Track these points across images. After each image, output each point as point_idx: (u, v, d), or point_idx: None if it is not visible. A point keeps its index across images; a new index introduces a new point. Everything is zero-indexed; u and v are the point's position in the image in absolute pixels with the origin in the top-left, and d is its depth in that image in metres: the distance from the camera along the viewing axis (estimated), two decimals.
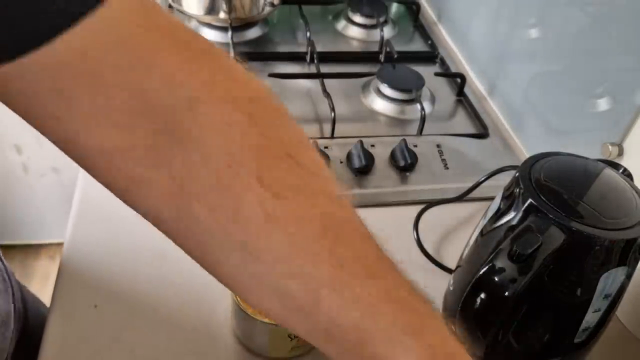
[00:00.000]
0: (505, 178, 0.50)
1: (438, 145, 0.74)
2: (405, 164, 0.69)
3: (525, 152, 0.77)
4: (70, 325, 0.51)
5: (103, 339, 0.50)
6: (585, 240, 0.41)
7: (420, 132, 0.76)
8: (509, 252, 0.41)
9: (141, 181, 0.31)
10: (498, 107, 0.85)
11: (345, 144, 0.71)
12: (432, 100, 0.84)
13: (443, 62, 0.93)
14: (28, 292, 0.64)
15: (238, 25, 0.92)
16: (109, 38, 0.28)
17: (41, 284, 1.66)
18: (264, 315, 0.42)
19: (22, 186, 1.54)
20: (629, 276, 0.44)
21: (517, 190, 0.44)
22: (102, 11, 0.27)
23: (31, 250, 1.73)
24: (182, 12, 0.92)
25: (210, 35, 0.92)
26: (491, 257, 0.42)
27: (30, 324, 0.59)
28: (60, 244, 0.60)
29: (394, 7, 1.08)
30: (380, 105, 0.81)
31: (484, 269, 0.42)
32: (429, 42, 0.98)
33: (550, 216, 0.41)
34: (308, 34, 0.89)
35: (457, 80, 0.87)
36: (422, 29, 1.02)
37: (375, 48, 0.93)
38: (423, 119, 0.76)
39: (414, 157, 0.70)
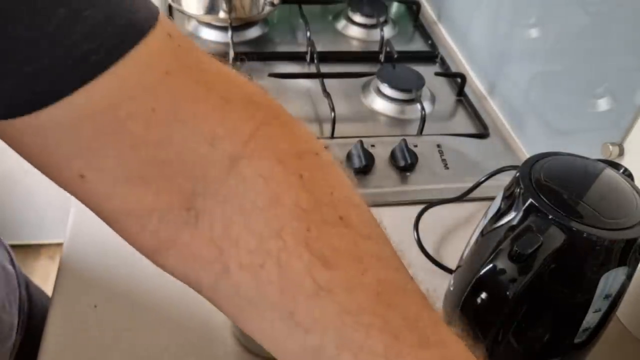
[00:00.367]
0: (506, 178, 0.50)
1: (438, 145, 0.74)
2: (405, 164, 0.69)
3: (525, 152, 0.77)
4: (70, 325, 0.51)
5: (103, 339, 0.50)
6: (586, 240, 0.41)
7: (420, 132, 0.76)
8: (509, 252, 0.41)
9: (178, 244, 0.28)
10: (498, 107, 0.85)
11: (345, 144, 0.71)
12: (432, 100, 0.84)
13: (443, 62, 0.92)
14: (35, 290, 0.64)
15: (238, 25, 0.92)
16: (138, 86, 0.25)
17: (41, 284, 1.65)
18: None
19: (22, 186, 1.54)
20: (629, 276, 0.44)
21: (518, 190, 0.44)
22: (132, 55, 0.24)
23: (31, 250, 1.73)
24: (181, 11, 0.92)
25: (210, 35, 0.92)
26: (491, 257, 0.42)
27: (35, 330, 0.59)
28: (60, 244, 0.60)
29: (394, 7, 1.08)
30: (380, 105, 0.81)
31: (484, 269, 0.42)
32: (429, 41, 0.98)
33: (551, 216, 0.41)
34: (308, 33, 0.89)
35: (458, 80, 0.87)
36: (422, 29, 1.02)
37: (376, 48, 0.93)
38: (423, 119, 0.75)
39: (414, 157, 0.70)
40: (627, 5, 0.60)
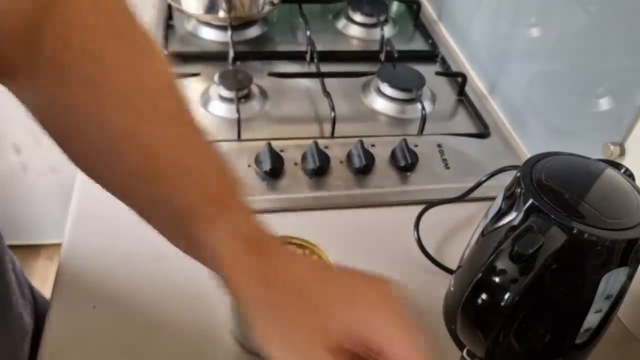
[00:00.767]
0: (506, 178, 0.50)
1: (439, 145, 0.74)
2: (405, 163, 0.69)
3: (526, 152, 0.77)
4: (69, 326, 0.51)
5: (102, 340, 0.50)
6: (587, 240, 0.41)
7: (420, 131, 0.76)
8: (510, 253, 0.40)
9: None
10: (499, 106, 0.85)
11: (346, 144, 0.71)
12: (433, 99, 0.84)
13: (444, 62, 0.92)
14: (38, 294, 0.64)
15: (238, 24, 0.92)
16: None
17: (40, 284, 1.64)
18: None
19: (20, 186, 1.54)
20: (630, 277, 0.44)
21: (518, 190, 0.44)
22: None
23: (30, 250, 1.73)
24: (181, 11, 0.92)
25: (210, 34, 0.92)
26: (492, 257, 0.42)
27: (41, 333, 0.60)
28: (58, 245, 0.60)
29: (395, 6, 1.08)
30: (380, 104, 0.81)
31: (485, 269, 0.42)
32: (430, 41, 0.98)
33: (552, 216, 0.41)
34: (308, 32, 0.89)
35: (458, 80, 0.87)
36: (422, 28, 1.01)
37: (376, 47, 0.93)
38: (424, 119, 0.75)
39: (415, 157, 0.70)
40: (627, 5, 0.60)
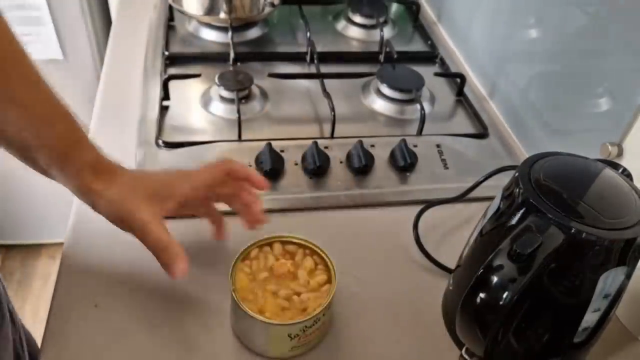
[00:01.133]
0: (505, 178, 0.50)
1: (438, 145, 0.74)
2: (405, 164, 0.69)
3: (524, 152, 0.77)
4: (70, 324, 0.51)
5: (103, 339, 0.51)
6: (585, 240, 0.41)
7: (420, 132, 0.76)
8: (509, 252, 0.41)
9: None
10: (498, 107, 0.85)
11: (345, 144, 0.71)
12: (432, 100, 0.84)
13: (443, 62, 0.93)
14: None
15: (238, 26, 0.92)
16: None
17: (42, 283, 1.66)
18: None
19: (22, 186, 1.54)
20: (628, 276, 0.44)
21: (517, 190, 0.44)
22: None
23: (32, 250, 1.73)
24: (182, 12, 0.92)
25: (211, 35, 0.92)
26: (491, 257, 0.42)
27: None
28: (60, 244, 0.60)
29: (394, 7, 1.08)
30: (380, 105, 0.81)
31: (484, 268, 0.42)
32: (429, 42, 0.98)
33: (550, 216, 0.41)
34: (308, 34, 0.90)
35: (457, 81, 0.87)
36: (421, 29, 1.02)
37: (375, 48, 0.93)
38: (423, 119, 0.76)
39: (414, 157, 0.70)
40: (626, 6, 0.60)
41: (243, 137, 0.72)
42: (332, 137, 0.73)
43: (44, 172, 0.50)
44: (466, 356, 0.47)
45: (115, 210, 0.49)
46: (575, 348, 0.47)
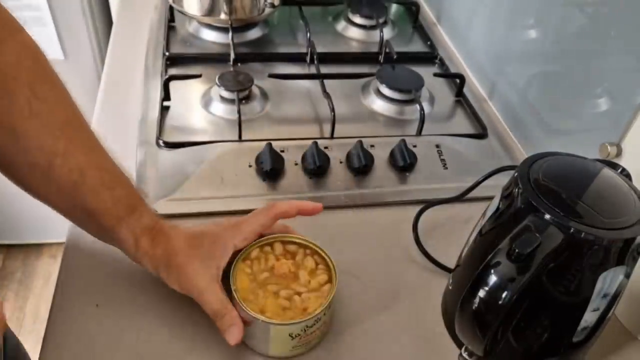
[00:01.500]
0: (504, 178, 0.50)
1: (437, 146, 0.74)
2: (404, 164, 0.69)
3: (524, 152, 0.77)
4: (71, 324, 0.51)
5: (104, 338, 0.51)
6: (584, 239, 0.41)
7: (419, 132, 0.76)
8: (508, 252, 0.41)
9: None
10: (497, 107, 0.86)
11: (345, 144, 0.71)
12: (432, 100, 0.85)
13: (442, 63, 0.93)
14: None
15: (238, 26, 0.92)
16: None
17: (43, 283, 1.66)
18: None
19: None
20: (627, 275, 0.44)
21: (516, 190, 0.45)
22: None
23: (33, 249, 1.73)
24: (182, 12, 0.92)
25: (211, 36, 0.93)
26: (490, 256, 0.42)
27: None
28: (61, 244, 0.60)
29: (394, 8, 1.08)
30: (379, 105, 0.82)
31: (483, 268, 0.42)
32: (428, 42, 0.98)
33: (549, 216, 0.41)
34: (308, 34, 0.90)
35: (456, 81, 0.88)
36: (421, 30, 1.02)
37: (375, 49, 0.93)
38: (422, 120, 0.76)
39: (413, 157, 0.70)
40: (624, 6, 0.60)
41: (243, 138, 0.72)
42: (332, 137, 0.74)
43: (98, 235, 0.52)
44: (465, 355, 0.47)
45: (173, 278, 0.50)
46: (574, 347, 0.47)
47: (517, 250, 0.40)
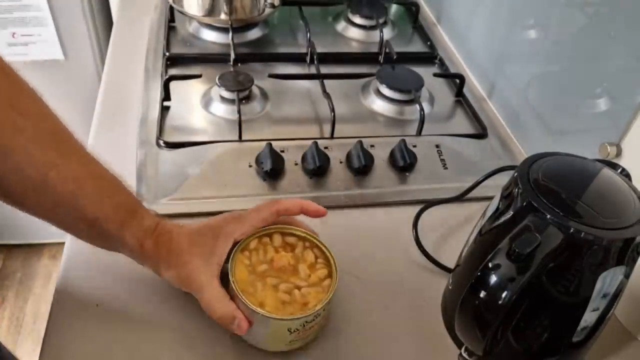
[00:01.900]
0: (504, 178, 0.50)
1: (437, 146, 0.74)
2: (404, 164, 0.69)
3: (523, 152, 0.78)
4: (71, 324, 0.51)
5: (104, 338, 0.51)
6: (584, 239, 0.41)
7: (419, 132, 0.76)
8: (508, 252, 0.41)
9: None
10: (497, 107, 0.86)
11: (345, 145, 0.71)
12: (431, 100, 0.85)
13: (442, 63, 0.93)
14: None
15: (239, 26, 0.92)
16: None
17: (43, 283, 1.66)
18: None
19: None
20: (627, 275, 0.44)
21: (516, 190, 0.45)
22: None
23: (33, 249, 1.73)
24: (183, 13, 0.92)
25: (211, 36, 0.93)
26: (490, 256, 0.42)
27: None
28: (62, 244, 0.60)
29: (394, 8, 1.09)
30: (379, 105, 0.82)
31: (483, 268, 0.42)
32: (428, 43, 0.98)
33: (549, 216, 0.41)
34: (308, 35, 0.90)
35: (456, 81, 0.88)
36: (421, 30, 1.02)
37: (375, 49, 0.93)
38: (422, 120, 0.76)
39: (413, 158, 0.71)
40: (625, 7, 0.60)
41: (243, 138, 0.72)
42: (332, 137, 0.74)
43: (100, 244, 0.52)
44: (465, 355, 0.47)
45: (176, 276, 0.50)
46: (574, 347, 0.47)
47: (516, 250, 0.40)
